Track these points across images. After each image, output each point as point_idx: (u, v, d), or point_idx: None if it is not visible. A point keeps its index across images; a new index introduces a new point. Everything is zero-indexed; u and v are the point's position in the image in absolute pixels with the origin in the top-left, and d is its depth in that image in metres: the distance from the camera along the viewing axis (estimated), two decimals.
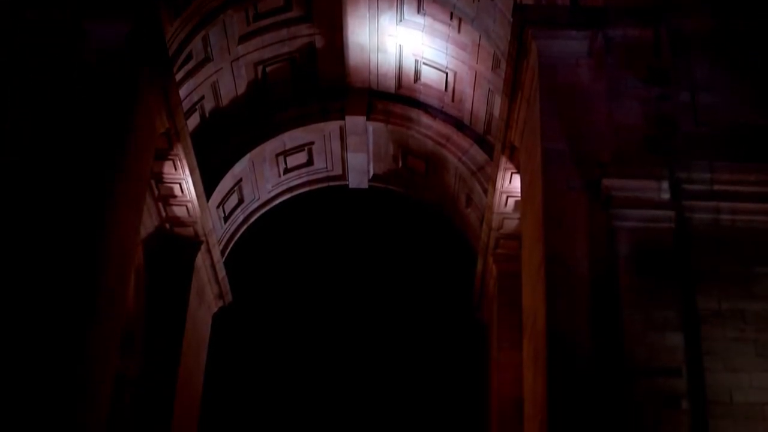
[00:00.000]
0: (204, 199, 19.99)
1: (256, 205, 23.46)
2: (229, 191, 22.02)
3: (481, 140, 21.84)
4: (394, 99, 22.51)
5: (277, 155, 22.80)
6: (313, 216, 29.60)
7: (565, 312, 13.23)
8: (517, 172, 17.95)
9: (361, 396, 30.50)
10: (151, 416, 18.74)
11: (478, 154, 21.85)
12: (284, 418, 30.25)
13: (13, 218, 13.75)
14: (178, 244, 20.18)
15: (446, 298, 28.79)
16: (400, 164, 23.63)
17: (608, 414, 12.47)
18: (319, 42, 21.37)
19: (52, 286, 13.43)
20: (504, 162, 18.36)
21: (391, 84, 22.35)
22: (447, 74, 21.36)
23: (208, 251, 20.87)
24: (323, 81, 22.37)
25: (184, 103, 18.73)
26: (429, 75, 21.71)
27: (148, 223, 19.13)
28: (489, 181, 19.99)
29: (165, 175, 18.85)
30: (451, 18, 20.23)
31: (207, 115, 21.11)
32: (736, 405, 12.31)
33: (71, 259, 13.69)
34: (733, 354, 12.59)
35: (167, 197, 19.40)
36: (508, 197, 19.10)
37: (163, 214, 19.72)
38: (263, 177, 22.88)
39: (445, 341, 29.75)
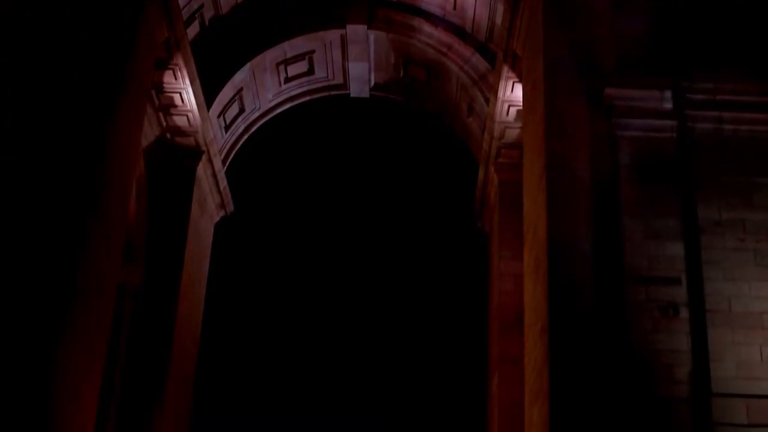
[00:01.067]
0: (204, 108, 19.90)
1: (256, 114, 23.35)
2: (229, 101, 21.90)
3: (483, 49, 21.64)
4: (396, 7, 22.25)
5: (278, 64, 22.61)
6: (314, 125, 29.51)
7: (566, 219, 13.29)
8: (519, 81, 17.85)
9: (363, 303, 30.72)
10: (153, 325, 18.88)
11: (479, 62, 21.66)
12: (285, 324, 30.50)
13: (16, 124, 13.79)
14: (179, 154, 20.16)
15: (448, 206, 28.84)
16: (402, 73, 23.46)
17: (608, 321, 12.59)
18: None
19: (54, 193, 13.46)
20: (506, 71, 18.24)
21: None
22: None
23: (209, 161, 20.85)
24: None
25: (183, 12, 18.53)
26: None
27: (149, 134, 19.08)
28: (491, 90, 19.88)
29: (165, 85, 18.76)
30: None
31: (207, 23, 20.89)
32: (735, 314, 12.43)
33: (74, 167, 13.71)
34: (732, 263, 12.67)
35: (168, 107, 19.33)
36: (510, 106, 19.01)
37: (164, 124, 19.66)
38: (264, 86, 22.73)
39: (447, 250, 29.87)
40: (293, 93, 23.65)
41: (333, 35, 22.42)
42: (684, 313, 12.50)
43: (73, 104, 14.12)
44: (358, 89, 24.06)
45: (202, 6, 20.39)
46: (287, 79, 23.16)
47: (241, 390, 29.73)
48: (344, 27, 22.27)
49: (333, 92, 24.15)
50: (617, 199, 13.20)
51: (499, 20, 19.37)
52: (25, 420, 12.25)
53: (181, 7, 18.30)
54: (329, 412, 29.70)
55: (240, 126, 23.03)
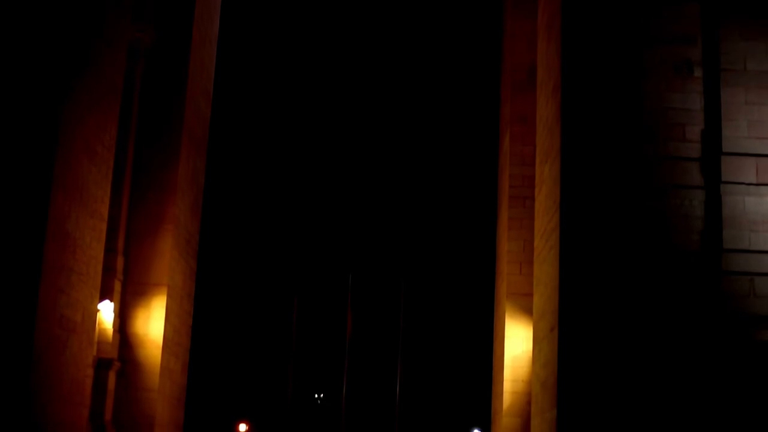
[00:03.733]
0: None
1: None
2: None
3: None
4: None
5: None
6: None
7: None
8: None
9: (374, 86, 30.60)
10: (165, 83, 18.89)
11: None
12: (294, 107, 30.45)
13: None
14: None
15: None
16: None
17: (622, 80, 12.57)
18: None
19: None
20: None
21: None
22: None
23: None
24: None
25: None
26: None
27: None
28: None
29: None
30: None
31: None
32: (750, 72, 12.38)
33: None
34: (750, 21, 12.52)
35: None
36: None
37: None
38: None
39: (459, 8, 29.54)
40: None
41: None
42: (698, 72, 12.47)
43: None
44: None
45: None
46: None
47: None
48: None
49: None
50: None
51: None
52: (39, 170, 12.23)
53: None
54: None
55: None
